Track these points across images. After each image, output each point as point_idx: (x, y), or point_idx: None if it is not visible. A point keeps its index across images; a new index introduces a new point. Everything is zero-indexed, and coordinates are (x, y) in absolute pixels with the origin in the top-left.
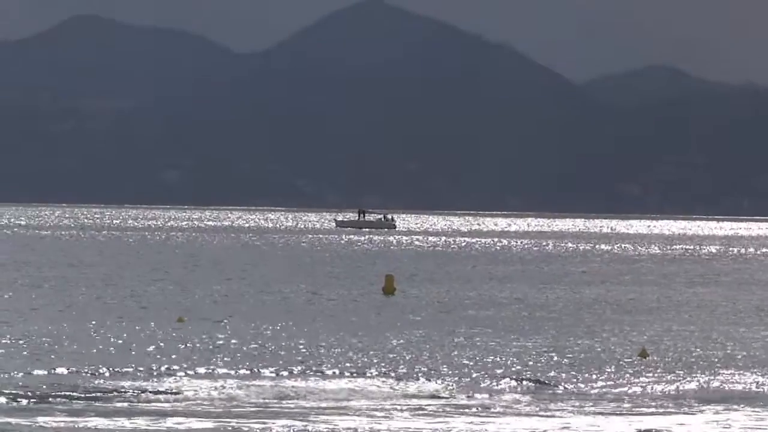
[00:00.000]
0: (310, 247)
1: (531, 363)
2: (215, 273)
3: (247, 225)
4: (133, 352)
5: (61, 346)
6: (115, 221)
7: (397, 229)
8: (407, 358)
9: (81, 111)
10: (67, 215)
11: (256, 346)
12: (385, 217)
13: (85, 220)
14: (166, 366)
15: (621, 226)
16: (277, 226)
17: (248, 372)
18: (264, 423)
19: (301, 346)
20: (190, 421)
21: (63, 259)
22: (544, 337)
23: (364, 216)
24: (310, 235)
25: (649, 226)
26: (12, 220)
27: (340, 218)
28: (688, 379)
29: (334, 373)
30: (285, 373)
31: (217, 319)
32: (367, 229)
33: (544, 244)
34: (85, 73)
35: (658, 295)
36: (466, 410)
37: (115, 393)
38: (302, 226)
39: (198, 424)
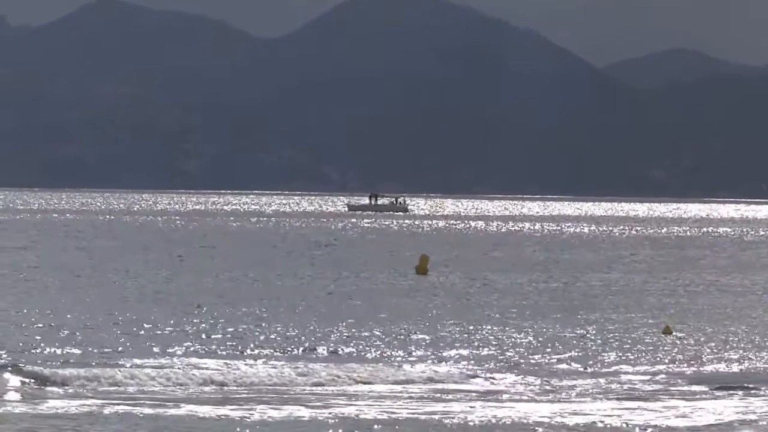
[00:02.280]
0: (327, 230)
1: (553, 347)
2: (234, 258)
3: (263, 210)
4: (149, 337)
5: (76, 330)
6: (135, 206)
7: (409, 212)
8: (433, 340)
9: (99, 96)
10: (90, 201)
11: (277, 330)
12: (396, 200)
13: (100, 206)
14: (180, 351)
15: (646, 209)
16: (284, 210)
17: (264, 358)
18: (277, 408)
19: (320, 328)
20: (201, 408)
21: (83, 243)
22: (570, 321)
23: (376, 200)
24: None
25: (672, 210)
26: (35, 205)
27: (352, 202)
28: (711, 360)
29: (352, 355)
30: (301, 359)
31: (237, 305)
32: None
33: (567, 227)
34: (103, 59)
35: (688, 279)
36: (489, 396)
37: (128, 378)
38: (312, 210)
39: (211, 411)
